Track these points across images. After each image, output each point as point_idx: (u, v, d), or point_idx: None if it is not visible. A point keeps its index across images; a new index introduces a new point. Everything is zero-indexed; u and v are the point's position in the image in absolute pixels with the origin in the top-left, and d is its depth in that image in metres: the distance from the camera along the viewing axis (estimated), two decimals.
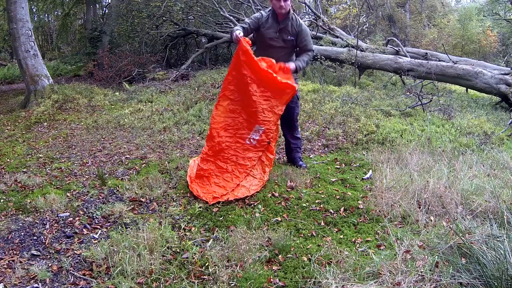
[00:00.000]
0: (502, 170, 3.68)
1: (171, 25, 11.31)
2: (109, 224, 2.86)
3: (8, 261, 2.36)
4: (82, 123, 6.17)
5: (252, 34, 3.65)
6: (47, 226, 2.80)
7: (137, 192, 3.35)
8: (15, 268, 2.27)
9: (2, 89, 11.16)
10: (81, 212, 3.03)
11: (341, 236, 2.63)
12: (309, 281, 2.10)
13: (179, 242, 2.53)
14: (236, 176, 3.32)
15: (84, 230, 2.77)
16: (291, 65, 3.48)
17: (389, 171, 3.42)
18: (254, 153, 3.38)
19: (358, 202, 3.12)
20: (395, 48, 10.57)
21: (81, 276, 2.23)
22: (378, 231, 2.66)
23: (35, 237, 2.66)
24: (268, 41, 3.57)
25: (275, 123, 3.43)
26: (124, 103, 7.39)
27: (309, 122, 5.57)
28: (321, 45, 9.98)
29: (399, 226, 2.72)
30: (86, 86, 8.69)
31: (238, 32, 3.33)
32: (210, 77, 8.70)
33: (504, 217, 2.33)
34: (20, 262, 2.36)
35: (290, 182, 3.45)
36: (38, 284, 2.15)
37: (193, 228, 2.74)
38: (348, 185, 3.53)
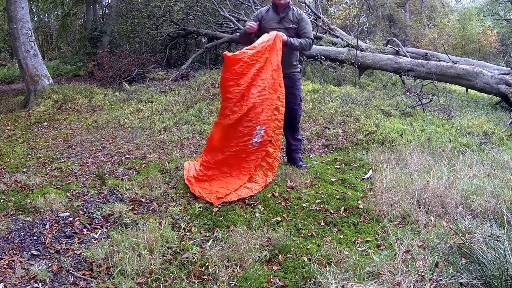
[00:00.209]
0: (502, 170, 3.68)
1: (171, 25, 11.31)
2: (109, 224, 2.86)
3: (8, 261, 2.36)
4: (82, 123, 6.17)
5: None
6: (47, 226, 2.80)
7: (137, 192, 3.35)
8: (15, 268, 2.27)
9: (2, 89, 11.16)
10: (81, 212, 3.03)
11: (341, 236, 2.63)
12: (309, 281, 2.10)
13: (179, 242, 2.53)
14: (239, 179, 3.31)
15: (84, 230, 2.77)
16: (284, 36, 3.43)
17: (389, 171, 3.42)
18: (257, 154, 3.36)
19: (358, 202, 3.12)
20: (395, 48, 10.57)
21: (81, 276, 2.23)
22: (378, 231, 2.66)
23: (35, 237, 2.66)
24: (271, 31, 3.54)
25: (275, 120, 3.41)
26: (124, 103, 7.39)
27: (309, 122, 5.57)
28: (321, 45, 9.98)
29: (399, 226, 2.72)
30: (86, 86, 8.68)
31: (249, 24, 3.49)
32: (210, 77, 8.70)
33: (504, 217, 2.33)
34: (20, 262, 2.36)
35: (290, 182, 3.45)
36: (38, 284, 2.15)
37: (193, 228, 2.74)
38: (348, 185, 3.53)
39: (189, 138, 5.13)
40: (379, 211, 2.91)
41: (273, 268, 2.29)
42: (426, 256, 2.13)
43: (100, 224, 2.86)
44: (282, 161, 4.12)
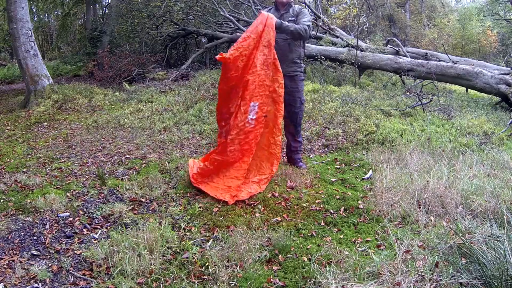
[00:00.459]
0: (502, 170, 3.68)
1: (171, 25, 11.31)
2: (109, 224, 2.86)
3: (8, 261, 2.36)
4: (82, 123, 6.17)
5: None
6: (47, 226, 2.80)
7: (137, 192, 3.35)
8: (15, 268, 2.27)
9: (2, 89, 11.16)
10: (81, 212, 3.03)
11: (341, 236, 2.63)
12: (309, 281, 2.10)
13: (179, 242, 2.53)
14: (243, 161, 3.32)
15: (84, 230, 2.77)
16: (274, 19, 3.46)
17: (389, 171, 3.42)
18: (255, 133, 3.35)
19: (358, 202, 3.12)
20: (395, 48, 10.57)
21: (81, 276, 2.23)
22: (378, 231, 2.66)
23: (35, 237, 2.66)
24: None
25: (269, 96, 3.42)
26: (124, 103, 7.39)
27: (309, 122, 5.57)
28: (321, 45, 9.98)
29: (399, 226, 2.72)
30: (86, 86, 8.68)
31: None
32: (210, 77, 8.70)
33: (504, 217, 2.33)
34: (20, 262, 2.36)
35: (290, 182, 3.45)
36: (38, 284, 2.15)
37: (193, 228, 2.74)
38: (348, 185, 3.53)
39: (189, 138, 5.13)
40: (379, 211, 2.91)
41: (273, 268, 2.29)
42: (426, 256, 2.13)
43: (100, 224, 2.86)
44: (282, 161, 4.12)
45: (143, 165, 4.11)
